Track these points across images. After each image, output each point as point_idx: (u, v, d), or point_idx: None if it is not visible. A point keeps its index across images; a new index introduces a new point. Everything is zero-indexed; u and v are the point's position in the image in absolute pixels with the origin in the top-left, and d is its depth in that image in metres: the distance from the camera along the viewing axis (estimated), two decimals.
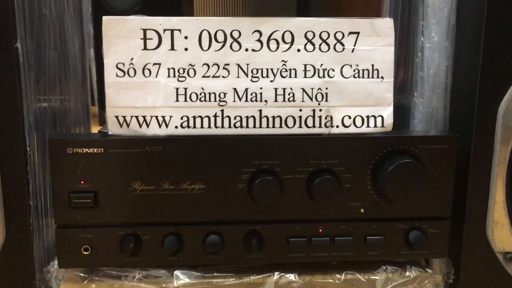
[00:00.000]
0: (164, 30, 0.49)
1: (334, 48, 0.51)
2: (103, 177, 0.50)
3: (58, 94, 0.60)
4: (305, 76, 0.51)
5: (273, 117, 0.51)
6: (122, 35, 0.49)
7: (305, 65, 0.51)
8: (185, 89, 0.50)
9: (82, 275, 0.53)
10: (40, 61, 0.55)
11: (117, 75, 0.49)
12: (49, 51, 0.58)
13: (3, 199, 0.51)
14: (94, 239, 0.51)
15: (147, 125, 0.50)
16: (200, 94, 0.50)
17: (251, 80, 0.50)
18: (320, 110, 0.51)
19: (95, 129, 0.65)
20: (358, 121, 0.52)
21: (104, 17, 0.48)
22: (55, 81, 0.59)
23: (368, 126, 0.52)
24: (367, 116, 0.52)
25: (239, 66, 0.50)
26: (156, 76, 0.50)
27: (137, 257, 0.52)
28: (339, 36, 0.51)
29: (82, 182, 0.50)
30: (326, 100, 0.51)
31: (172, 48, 0.49)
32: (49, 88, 0.58)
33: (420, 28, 0.56)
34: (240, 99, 0.50)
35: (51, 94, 0.59)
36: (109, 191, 0.50)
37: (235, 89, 0.50)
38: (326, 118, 0.51)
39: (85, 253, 0.51)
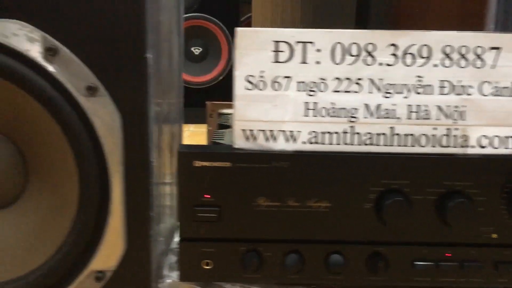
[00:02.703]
0: (297, 42, 0.47)
1: (473, 64, 0.48)
2: (228, 191, 0.49)
3: (167, 99, 0.60)
4: (441, 93, 0.48)
5: (405, 135, 0.48)
6: (253, 47, 0.47)
7: (442, 81, 0.48)
8: (315, 103, 0.48)
9: None
10: (159, 69, 0.55)
11: (246, 88, 0.48)
12: (163, 58, 0.57)
13: (126, 210, 0.50)
14: (215, 254, 0.50)
15: (275, 140, 0.49)
16: (330, 110, 0.48)
17: (384, 96, 0.48)
18: (456, 129, 0.48)
19: None
20: (496, 142, 0.49)
21: (237, 29, 0.47)
22: (167, 86, 0.59)
23: (506, 147, 0.49)
24: (506, 137, 0.49)
25: (372, 81, 0.48)
26: (285, 90, 0.48)
27: (257, 273, 0.51)
28: (479, 51, 0.48)
29: (207, 196, 0.49)
30: (463, 119, 0.48)
31: (304, 61, 0.48)
32: (162, 94, 0.57)
33: None
34: (371, 115, 0.48)
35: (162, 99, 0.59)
36: (233, 205, 0.49)
37: (366, 104, 0.48)
38: (461, 137, 0.49)
39: (206, 267, 0.50)
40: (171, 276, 0.55)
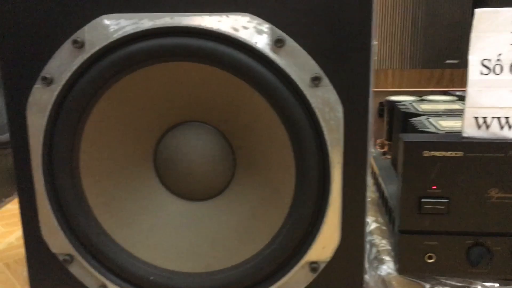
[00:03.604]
0: None
1: None
2: (457, 182, 0.46)
3: None
4: None
5: None
6: (492, 28, 0.44)
7: None
8: None
9: (419, 281, 0.50)
10: None
11: (481, 73, 0.45)
12: None
13: (343, 202, 0.50)
14: (439, 247, 0.48)
15: (510, 127, 0.46)
16: None
17: None
18: None
19: None
20: None
21: (476, 10, 0.44)
22: None
23: None
24: None
25: None
26: None
27: (483, 268, 0.48)
28: None
29: (434, 187, 0.47)
30: None
31: None
32: None
33: None
34: None
35: None
36: (462, 197, 0.47)
37: None
38: None
39: (428, 261, 0.49)
40: (377, 268, 0.54)
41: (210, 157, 0.54)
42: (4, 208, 0.99)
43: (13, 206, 1.00)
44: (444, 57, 1.76)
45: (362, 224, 0.50)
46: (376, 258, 0.55)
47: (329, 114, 0.47)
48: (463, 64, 1.74)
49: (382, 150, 0.77)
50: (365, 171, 0.49)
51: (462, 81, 1.77)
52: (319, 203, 0.50)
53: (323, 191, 0.49)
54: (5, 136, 0.98)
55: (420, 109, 0.64)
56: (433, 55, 1.75)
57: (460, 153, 0.46)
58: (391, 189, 0.60)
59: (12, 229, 0.90)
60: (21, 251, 0.81)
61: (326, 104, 0.47)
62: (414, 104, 0.68)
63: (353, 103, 0.47)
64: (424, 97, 0.74)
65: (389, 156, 0.74)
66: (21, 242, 0.84)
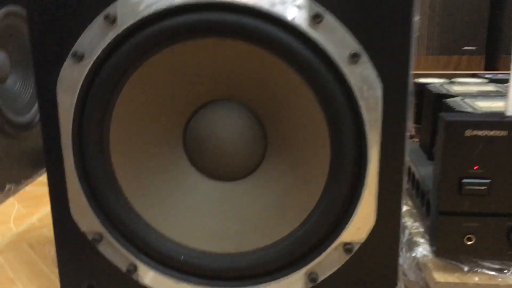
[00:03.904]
0: None
1: None
2: (500, 162, 0.45)
3: None
4: None
5: None
6: None
7: None
8: None
9: (457, 264, 0.49)
10: None
11: None
12: None
13: (380, 182, 0.49)
14: (479, 229, 0.47)
15: None
16: None
17: None
18: None
19: None
20: None
21: None
22: None
23: None
24: None
25: None
26: None
27: None
28: None
29: (476, 168, 0.46)
30: None
31: None
32: None
33: None
34: None
35: None
36: (505, 178, 0.46)
37: None
38: None
39: (467, 242, 0.48)
40: (411, 251, 0.53)
41: (241, 136, 0.53)
42: (23, 190, 0.99)
43: (32, 188, 1.00)
44: (462, 43, 1.73)
45: (399, 205, 0.49)
46: (409, 240, 0.54)
47: (367, 92, 0.46)
48: (480, 51, 1.71)
49: (409, 134, 0.76)
50: (403, 151, 0.48)
51: (479, 67, 1.74)
52: (355, 184, 0.49)
53: (359, 171, 0.48)
54: (25, 118, 0.98)
55: (452, 91, 0.62)
56: (450, 41, 1.72)
57: (504, 133, 0.44)
58: (423, 171, 0.59)
59: (32, 210, 0.90)
60: (44, 232, 0.81)
61: (365, 81, 0.46)
62: (445, 86, 0.66)
63: (392, 81, 0.46)
64: (453, 79, 0.73)
65: (416, 140, 0.73)
66: (43, 223, 0.85)
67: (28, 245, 0.75)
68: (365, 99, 0.46)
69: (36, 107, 1.01)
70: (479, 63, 1.77)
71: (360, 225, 0.50)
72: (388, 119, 0.47)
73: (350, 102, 0.46)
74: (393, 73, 0.46)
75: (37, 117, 1.00)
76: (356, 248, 0.51)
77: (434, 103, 0.60)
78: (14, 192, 0.98)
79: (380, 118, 0.46)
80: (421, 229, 0.56)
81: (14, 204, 0.93)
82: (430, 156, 0.63)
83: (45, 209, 0.90)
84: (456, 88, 0.64)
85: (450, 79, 0.73)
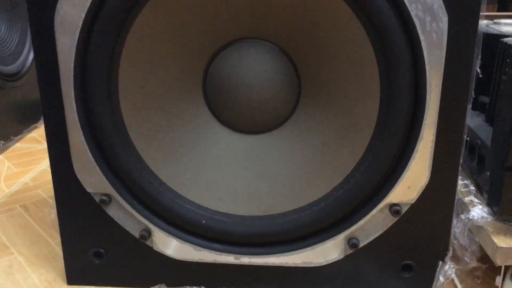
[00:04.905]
0: None
1: None
2: None
3: None
4: None
5: None
6: None
7: None
8: None
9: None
10: None
11: None
12: None
13: (437, 135, 0.42)
14: None
15: None
16: None
17: None
18: None
19: None
20: None
21: None
22: None
23: None
24: None
25: None
26: None
27: None
28: None
29: None
30: None
31: None
32: None
33: None
34: None
35: None
36: None
37: None
38: None
39: None
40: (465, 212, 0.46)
41: (269, 81, 0.45)
42: (13, 147, 0.91)
43: (23, 145, 0.92)
44: None
45: (457, 159, 0.43)
46: (459, 200, 0.47)
47: (430, 25, 0.38)
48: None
49: None
50: (465, 98, 0.41)
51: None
52: (409, 135, 0.42)
53: (415, 120, 0.41)
54: (11, 68, 0.88)
55: (504, 31, 0.55)
56: None
57: None
58: (471, 122, 0.52)
59: (24, 169, 0.82)
60: (39, 192, 0.74)
61: (428, 11, 0.38)
62: (491, 26, 0.58)
63: (460, 11, 0.38)
64: (496, 21, 0.65)
65: None
66: (37, 183, 0.77)
67: (21, 206, 0.68)
68: (427, 33, 0.39)
69: (24, 55, 0.91)
70: (493, 10, 1.76)
71: (411, 183, 0.43)
72: (452, 58, 0.39)
73: (408, 36, 0.39)
74: (461, 1, 0.38)
75: (26, 66, 0.91)
76: (404, 209, 0.44)
77: (486, 45, 0.53)
78: (3, 150, 0.90)
79: (444, 56, 0.39)
80: (472, 188, 0.49)
81: (3, 162, 0.85)
82: (475, 106, 0.56)
83: (39, 167, 0.83)
84: (506, 29, 0.57)
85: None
